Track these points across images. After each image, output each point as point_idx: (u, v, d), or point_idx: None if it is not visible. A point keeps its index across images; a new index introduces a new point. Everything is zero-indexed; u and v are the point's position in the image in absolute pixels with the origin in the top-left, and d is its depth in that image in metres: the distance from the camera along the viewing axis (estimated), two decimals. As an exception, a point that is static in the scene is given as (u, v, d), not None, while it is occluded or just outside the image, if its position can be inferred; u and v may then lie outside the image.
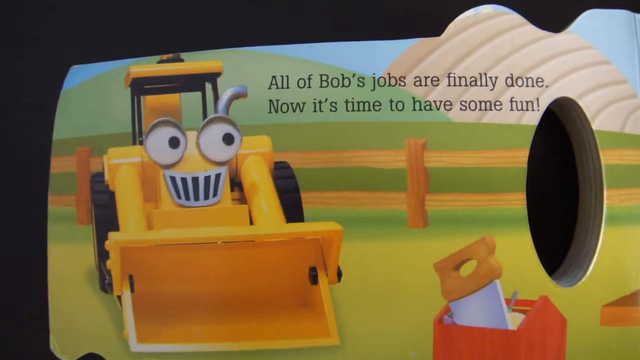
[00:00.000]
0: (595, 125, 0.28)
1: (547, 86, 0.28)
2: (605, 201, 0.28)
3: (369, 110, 0.28)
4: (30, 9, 0.33)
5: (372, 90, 0.28)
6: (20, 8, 0.33)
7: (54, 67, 0.30)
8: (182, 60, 0.29)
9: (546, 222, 0.29)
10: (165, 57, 0.29)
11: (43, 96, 0.31)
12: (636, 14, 0.28)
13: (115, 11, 0.33)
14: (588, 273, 0.27)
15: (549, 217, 0.30)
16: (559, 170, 0.31)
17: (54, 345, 0.28)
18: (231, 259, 0.28)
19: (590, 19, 0.28)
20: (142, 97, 0.29)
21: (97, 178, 0.29)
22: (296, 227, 0.27)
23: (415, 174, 0.27)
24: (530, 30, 0.28)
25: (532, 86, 0.28)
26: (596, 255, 0.28)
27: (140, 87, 0.29)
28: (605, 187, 0.28)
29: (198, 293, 0.28)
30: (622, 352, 0.27)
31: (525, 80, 0.28)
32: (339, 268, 0.27)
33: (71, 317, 0.28)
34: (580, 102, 0.28)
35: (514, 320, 0.27)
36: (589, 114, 0.28)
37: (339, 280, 0.27)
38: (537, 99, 0.28)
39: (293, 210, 0.28)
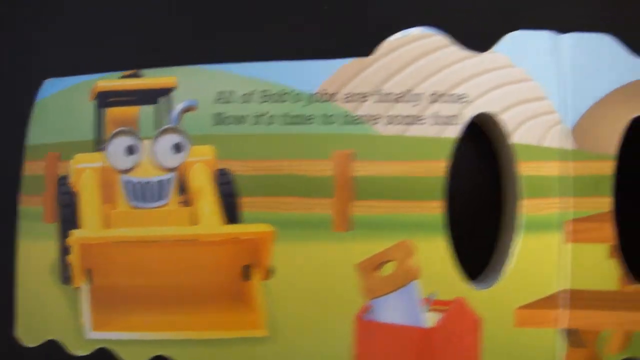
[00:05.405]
0: (514, 139, 0.30)
1: (470, 102, 0.30)
2: (522, 210, 0.29)
3: (303, 123, 0.30)
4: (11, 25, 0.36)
5: (307, 106, 0.30)
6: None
7: (29, 81, 0.32)
8: (141, 76, 0.32)
9: (472, 230, 0.31)
10: (127, 72, 0.32)
11: (19, 107, 0.33)
12: (560, 35, 0.30)
13: (85, 30, 0.35)
14: (503, 277, 0.29)
15: (475, 225, 0.32)
16: (486, 181, 0.33)
17: (19, 332, 0.31)
18: (176, 256, 0.30)
19: (514, 39, 0.30)
20: (104, 109, 0.32)
21: (64, 180, 0.31)
22: (233, 228, 0.30)
23: (341, 181, 0.30)
24: (455, 50, 0.30)
25: (455, 102, 0.30)
26: (512, 260, 0.29)
27: (105, 100, 0.32)
28: (522, 196, 0.29)
29: (148, 286, 0.30)
30: (537, 352, 0.29)
31: (449, 96, 0.30)
32: (270, 266, 0.30)
33: (36, 307, 0.31)
34: (502, 117, 0.30)
35: (431, 320, 0.29)
36: (509, 128, 0.30)
37: (271, 277, 0.30)
38: (460, 114, 0.30)
39: (231, 213, 0.30)
